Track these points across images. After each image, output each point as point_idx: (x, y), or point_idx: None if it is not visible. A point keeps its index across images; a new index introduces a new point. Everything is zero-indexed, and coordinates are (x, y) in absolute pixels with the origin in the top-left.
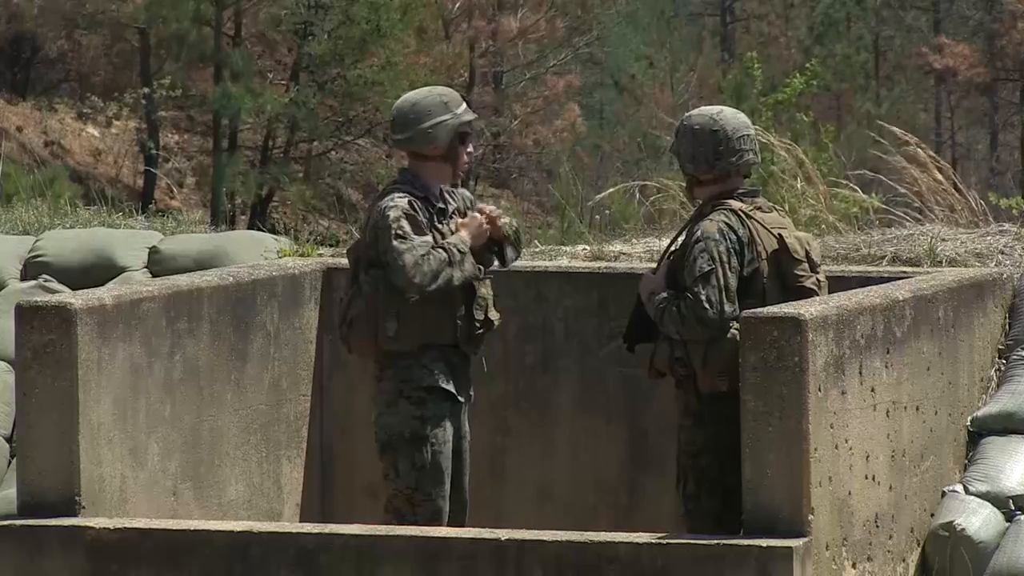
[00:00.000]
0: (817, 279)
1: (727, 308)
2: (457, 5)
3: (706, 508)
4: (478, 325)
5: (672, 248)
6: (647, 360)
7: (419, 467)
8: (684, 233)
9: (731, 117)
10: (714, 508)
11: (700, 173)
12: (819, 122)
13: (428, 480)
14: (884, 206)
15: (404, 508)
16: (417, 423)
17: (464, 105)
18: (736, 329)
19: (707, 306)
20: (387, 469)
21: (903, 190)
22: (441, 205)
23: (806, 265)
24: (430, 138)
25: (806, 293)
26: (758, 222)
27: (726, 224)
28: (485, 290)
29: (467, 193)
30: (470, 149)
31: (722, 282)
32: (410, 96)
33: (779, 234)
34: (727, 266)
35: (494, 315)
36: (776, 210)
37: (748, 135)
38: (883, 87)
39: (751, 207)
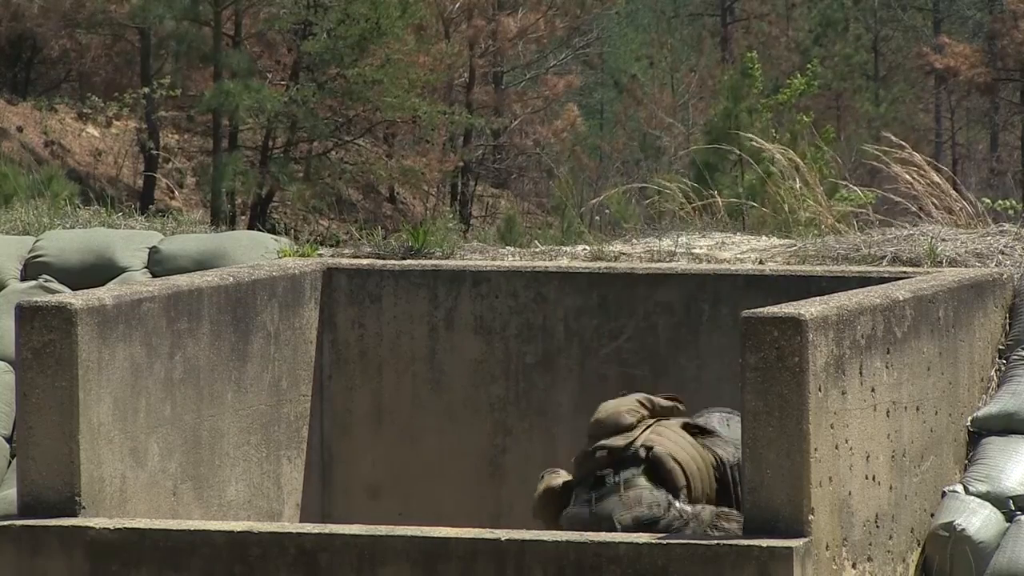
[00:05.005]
0: None
1: None
2: (457, 5)
3: None
4: None
5: None
6: None
7: None
8: None
9: None
10: None
11: None
12: (819, 123)
13: None
14: (880, 216)
15: None
16: None
17: None
18: None
19: None
20: None
21: (898, 199)
22: None
23: None
24: None
25: None
26: None
27: None
28: None
29: None
30: None
31: None
32: None
33: None
34: None
35: None
36: None
37: None
38: (883, 87)
39: None
